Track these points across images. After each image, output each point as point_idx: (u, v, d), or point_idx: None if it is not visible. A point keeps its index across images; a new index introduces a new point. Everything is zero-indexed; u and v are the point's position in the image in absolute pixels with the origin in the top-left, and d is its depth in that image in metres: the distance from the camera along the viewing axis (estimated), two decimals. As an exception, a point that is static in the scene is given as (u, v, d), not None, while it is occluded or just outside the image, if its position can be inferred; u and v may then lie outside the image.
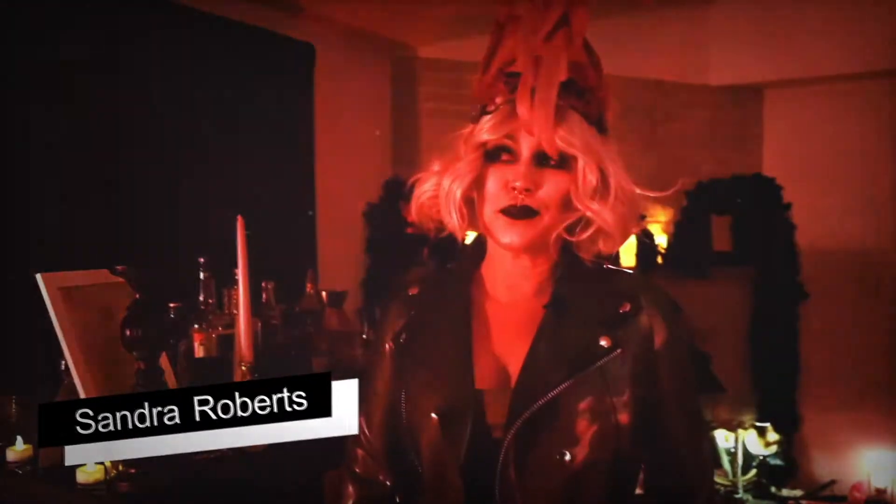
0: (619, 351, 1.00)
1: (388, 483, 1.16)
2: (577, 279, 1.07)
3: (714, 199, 4.20)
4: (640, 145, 4.12)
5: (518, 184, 0.99)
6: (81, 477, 1.34)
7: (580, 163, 1.00)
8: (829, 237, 4.21)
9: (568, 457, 0.97)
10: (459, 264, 1.15)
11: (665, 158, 4.13)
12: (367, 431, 1.18)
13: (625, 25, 3.84)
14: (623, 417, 1.00)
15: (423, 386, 1.06)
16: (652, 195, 1.06)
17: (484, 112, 1.04)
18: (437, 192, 1.07)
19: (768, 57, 4.10)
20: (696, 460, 1.10)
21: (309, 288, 2.15)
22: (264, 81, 3.33)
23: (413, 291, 1.16)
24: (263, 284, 1.97)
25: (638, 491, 1.11)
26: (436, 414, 1.02)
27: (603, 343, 1.01)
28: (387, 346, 1.15)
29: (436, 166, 1.09)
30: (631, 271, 1.12)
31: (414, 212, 1.11)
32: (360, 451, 1.18)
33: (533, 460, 0.98)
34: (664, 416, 1.06)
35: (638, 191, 1.04)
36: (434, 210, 1.09)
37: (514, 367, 1.03)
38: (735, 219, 4.19)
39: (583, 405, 0.98)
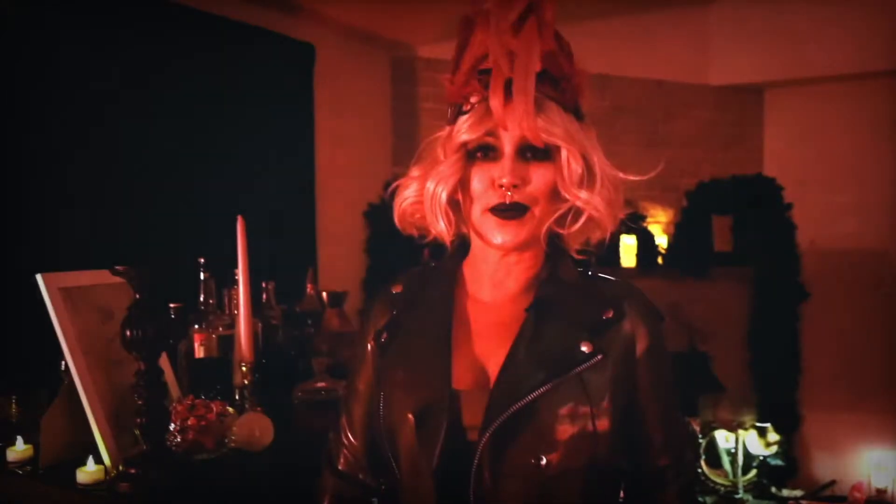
0: (599, 357, 0.99)
1: (368, 482, 1.17)
2: (561, 283, 1.05)
3: (714, 199, 4.20)
4: (640, 145, 4.13)
5: (505, 180, 0.98)
6: (81, 477, 1.34)
7: (563, 152, 0.99)
8: (829, 237, 4.21)
9: (544, 461, 0.95)
10: (443, 263, 1.14)
11: (665, 158, 4.13)
12: (348, 431, 1.18)
13: (625, 25, 3.84)
14: (601, 424, 0.98)
15: (401, 386, 1.04)
16: (634, 178, 1.04)
17: (460, 113, 1.02)
18: (419, 198, 1.06)
19: (768, 57, 4.10)
20: (677, 471, 1.08)
21: (309, 288, 2.15)
22: (264, 81, 3.32)
23: (396, 290, 1.15)
24: (263, 284, 1.98)
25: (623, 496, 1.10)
26: (412, 414, 1.00)
27: (584, 349, 0.99)
28: (368, 345, 1.14)
29: (415, 172, 1.07)
30: (615, 278, 1.10)
31: (396, 219, 1.10)
32: (342, 450, 1.19)
33: (508, 464, 0.96)
34: (644, 425, 1.05)
35: (621, 175, 1.03)
36: (417, 216, 1.08)
37: (493, 369, 1.01)
38: (735, 219, 4.18)
39: (561, 410, 0.96)
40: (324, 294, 2.11)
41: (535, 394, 0.96)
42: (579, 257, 1.08)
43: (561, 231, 1.04)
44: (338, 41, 3.82)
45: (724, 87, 4.31)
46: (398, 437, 1.03)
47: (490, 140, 1.00)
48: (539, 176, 1.00)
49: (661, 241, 4.19)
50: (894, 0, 3.75)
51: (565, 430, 0.96)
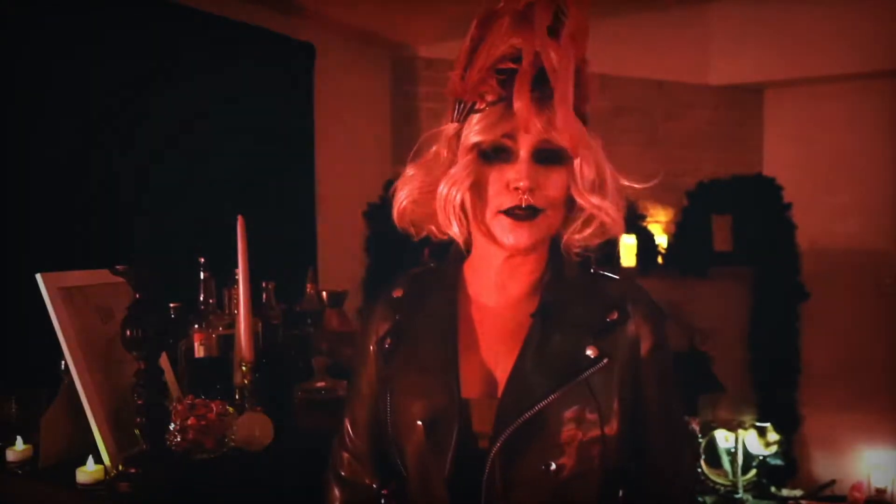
0: (605, 361, 0.99)
1: (373, 486, 1.15)
2: (565, 285, 1.05)
3: (714, 199, 4.20)
4: (640, 145, 4.13)
5: (522, 184, 0.96)
6: (81, 477, 1.34)
7: (577, 157, 0.98)
8: (829, 237, 4.21)
9: (554, 467, 0.96)
10: (443, 265, 1.12)
11: (665, 158, 4.14)
12: (352, 433, 1.16)
13: (625, 25, 3.84)
14: (610, 427, 0.98)
15: (408, 393, 1.04)
16: (637, 186, 1.03)
17: (471, 111, 0.99)
18: (416, 198, 1.04)
19: (768, 57, 4.10)
20: (676, 470, 1.09)
21: (309, 288, 2.15)
22: (264, 81, 3.33)
23: (397, 294, 1.13)
24: (263, 284, 1.97)
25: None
26: (421, 422, 1.00)
27: (589, 353, 0.99)
28: (371, 349, 1.13)
29: (410, 170, 1.06)
30: (617, 276, 1.09)
31: (396, 218, 1.08)
32: (345, 454, 1.17)
33: (519, 471, 0.96)
34: (646, 424, 1.05)
35: (624, 182, 1.02)
36: (416, 215, 1.07)
37: (501, 376, 1.00)
38: (735, 219, 4.19)
39: (569, 415, 0.97)
40: (324, 294, 2.12)
41: (544, 403, 0.96)
42: (579, 258, 1.07)
43: (574, 237, 1.04)
44: (338, 41, 3.82)
45: (724, 87, 4.31)
46: (406, 444, 1.02)
47: (505, 142, 0.97)
48: (553, 180, 0.98)
49: (661, 240, 4.19)
50: (894, 0, 3.75)
51: (575, 436, 0.97)
